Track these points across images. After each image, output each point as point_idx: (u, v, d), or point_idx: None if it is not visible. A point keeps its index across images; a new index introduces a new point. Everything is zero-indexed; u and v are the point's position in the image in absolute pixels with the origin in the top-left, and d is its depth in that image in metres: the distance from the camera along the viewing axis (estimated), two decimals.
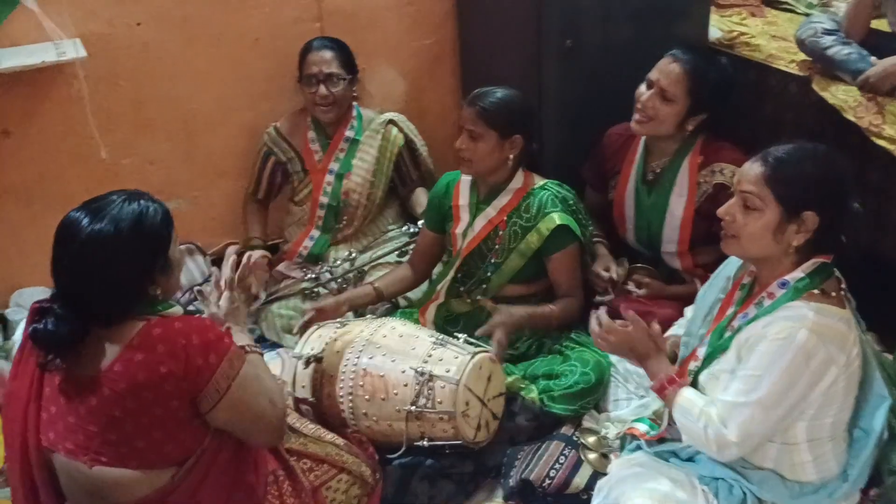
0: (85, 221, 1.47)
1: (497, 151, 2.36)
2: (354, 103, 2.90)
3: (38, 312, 1.50)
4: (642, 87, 2.44)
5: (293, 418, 2.02)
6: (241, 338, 1.75)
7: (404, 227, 2.92)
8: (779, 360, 1.64)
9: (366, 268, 2.79)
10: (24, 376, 1.56)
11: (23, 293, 2.81)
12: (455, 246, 2.51)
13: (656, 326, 1.95)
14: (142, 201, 1.54)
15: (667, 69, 2.39)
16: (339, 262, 2.81)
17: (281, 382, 2.08)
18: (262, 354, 1.80)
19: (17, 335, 2.55)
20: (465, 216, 2.48)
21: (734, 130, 2.71)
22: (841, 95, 2.56)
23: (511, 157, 2.39)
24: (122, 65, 2.75)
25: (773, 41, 3.02)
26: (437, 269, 2.71)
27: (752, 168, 1.73)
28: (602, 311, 1.93)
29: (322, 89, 2.75)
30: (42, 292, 2.74)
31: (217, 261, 3.03)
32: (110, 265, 1.47)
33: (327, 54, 2.77)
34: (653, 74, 2.42)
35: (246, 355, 1.65)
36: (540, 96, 2.76)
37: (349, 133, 2.87)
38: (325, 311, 2.39)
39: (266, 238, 2.96)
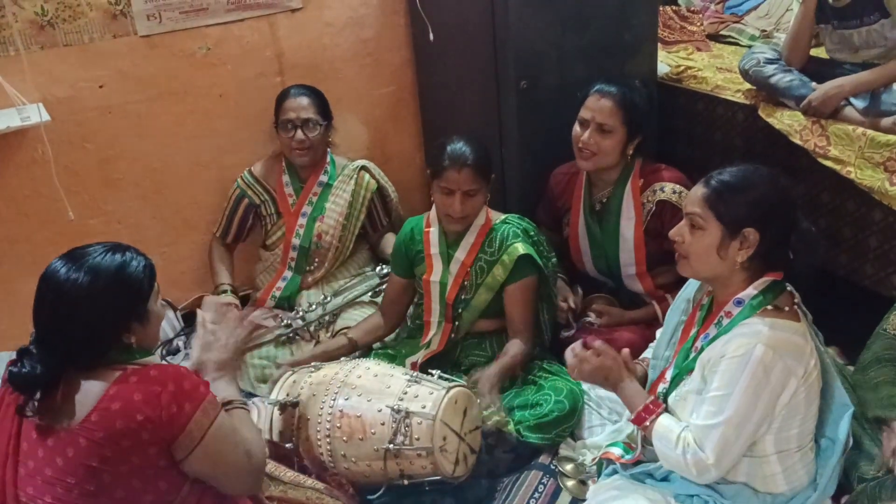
0: (64, 268, 1.52)
1: (485, 201, 2.44)
2: (328, 149, 2.95)
3: (16, 357, 1.53)
4: (577, 128, 2.53)
5: (271, 466, 2.01)
6: (230, 391, 1.76)
7: (377, 269, 2.95)
8: (740, 376, 1.68)
9: (338, 310, 2.80)
10: (1, 434, 1.57)
11: None
12: (428, 293, 2.54)
13: (626, 352, 2.00)
14: (127, 253, 1.59)
15: (598, 106, 2.48)
16: (311, 307, 2.82)
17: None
18: (247, 410, 1.80)
19: None
20: (438, 264, 2.51)
21: (687, 159, 2.80)
22: (786, 121, 2.66)
23: (487, 200, 2.46)
24: (86, 126, 2.77)
25: (718, 73, 3.14)
26: (410, 311, 2.73)
27: (696, 190, 1.81)
28: (577, 343, 1.95)
29: (299, 134, 2.80)
30: (9, 357, 2.70)
31: (187, 316, 3.04)
32: (83, 310, 1.50)
33: (304, 100, 2.83)
34: (585, 114, 2.50)
35: (232, 409, 1.68)
36: (500, 136, 2.84)
37: (323, 178, 2.92)
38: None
39: (235, 285, 2.95)
